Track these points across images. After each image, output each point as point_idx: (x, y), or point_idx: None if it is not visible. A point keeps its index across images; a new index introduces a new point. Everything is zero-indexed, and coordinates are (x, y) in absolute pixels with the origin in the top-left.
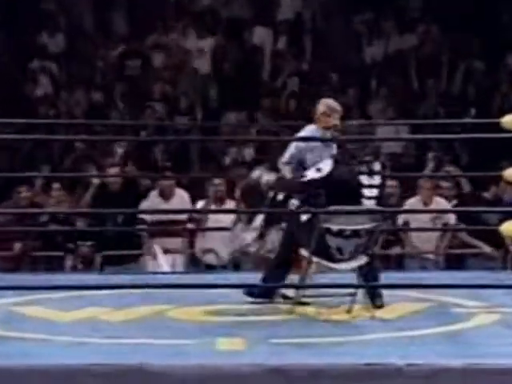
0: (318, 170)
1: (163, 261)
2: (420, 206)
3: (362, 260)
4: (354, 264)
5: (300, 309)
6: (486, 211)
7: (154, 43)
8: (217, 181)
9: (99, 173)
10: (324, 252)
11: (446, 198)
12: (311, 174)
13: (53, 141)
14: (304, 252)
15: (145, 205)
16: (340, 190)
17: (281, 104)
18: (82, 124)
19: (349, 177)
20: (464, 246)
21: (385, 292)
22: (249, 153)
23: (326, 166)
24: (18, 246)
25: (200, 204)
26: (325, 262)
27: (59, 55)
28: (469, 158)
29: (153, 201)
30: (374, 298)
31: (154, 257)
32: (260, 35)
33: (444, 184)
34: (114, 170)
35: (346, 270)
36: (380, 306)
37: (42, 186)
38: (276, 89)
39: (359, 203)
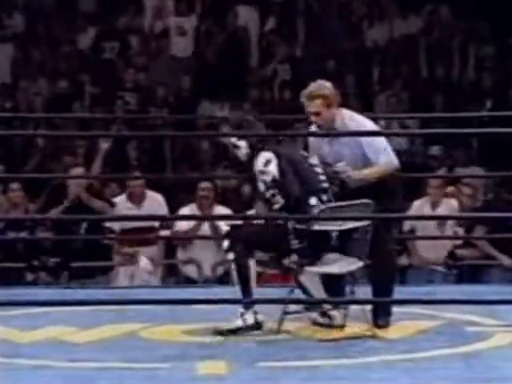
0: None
1: (145, 263)
2: (427, 208)
3: (355, 264)
4: (345, 268)
5: (291, 327)
6: (502, 217)
7: (127, 25)
8: (204, 184)
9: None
10: (311, 256)
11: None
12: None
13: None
14: (290, 260)
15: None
16: (300, 173)
17: (271, 94)
18: (44, 117)
19: (298, 156)
20: (480, 257)
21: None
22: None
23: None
24: None
25: (184, 211)
26: (310, 268)
27: (17, 37)
28: (488, 156)
29: (121, 206)
30: (378, 316)
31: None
32: (245, 15)
33: (465, 190)
34: (78, 171)
35: (336, 272)
36: (382, 326)
37: None
38: (265, 77)
39: (326, 187)
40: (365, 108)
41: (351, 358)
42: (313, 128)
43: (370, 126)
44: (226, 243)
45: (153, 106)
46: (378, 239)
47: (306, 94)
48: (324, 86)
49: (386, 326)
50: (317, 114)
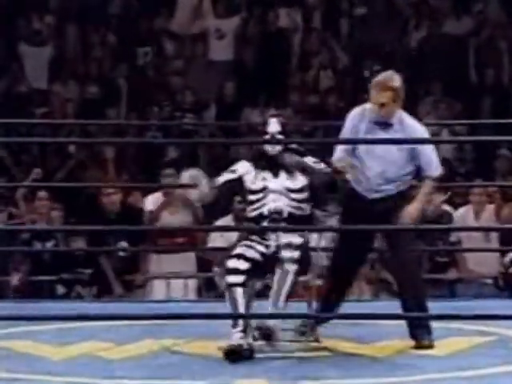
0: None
1: None
2: (471, 217)
3: None
4: None
5: (332, 344)
6: None
7: (161, 27)
8: None
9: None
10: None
11: None
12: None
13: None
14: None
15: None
16: None
17: (313, 99)
18: (76, 124)
19: None
20: None
21: (435, 324)
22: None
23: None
24: (16, 277)
25: (219, 223)
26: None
27: (52, 40)
28: None
29: (155, 206)
30: (419, 336)
31: None
32: (287, 18)
33: None
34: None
35: None
36: (427, 346)
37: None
38: (307, 82)
39: None
40: (410, 113)
41: (397, 376)
42: (366, 122)
43: (425, 133)
44: (295, 267)
45: (187, 112)
46: (395, 251)
47: (379, 83)
48: (397, 78)
49: (430, 345)
50: (383, 105)
